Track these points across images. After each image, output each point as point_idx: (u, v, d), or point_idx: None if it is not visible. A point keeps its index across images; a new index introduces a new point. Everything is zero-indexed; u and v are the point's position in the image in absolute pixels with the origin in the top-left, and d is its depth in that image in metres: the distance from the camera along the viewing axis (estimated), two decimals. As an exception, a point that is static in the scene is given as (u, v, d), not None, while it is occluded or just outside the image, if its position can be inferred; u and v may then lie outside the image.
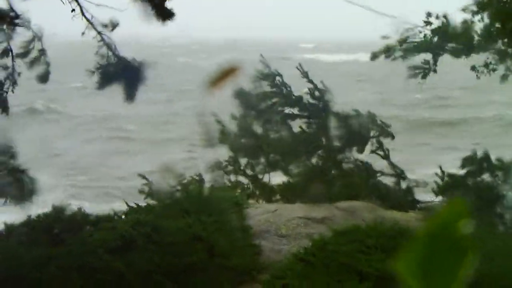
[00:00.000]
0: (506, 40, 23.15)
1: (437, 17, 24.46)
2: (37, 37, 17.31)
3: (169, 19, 16.97)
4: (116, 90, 17.82)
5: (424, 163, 28.91)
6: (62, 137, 56.66)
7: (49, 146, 51.09)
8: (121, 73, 17.65)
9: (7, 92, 17.70)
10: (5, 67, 17.63)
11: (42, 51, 17.39)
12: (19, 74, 17.71)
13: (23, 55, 17.35)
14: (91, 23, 17.19)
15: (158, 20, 16.96)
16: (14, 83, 17.70)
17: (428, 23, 24.37)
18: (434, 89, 57.17)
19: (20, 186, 17.17)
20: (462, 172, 22.88)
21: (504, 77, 24.32)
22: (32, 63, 17.43)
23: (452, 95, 72.69)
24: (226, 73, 6.98)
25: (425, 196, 23.12)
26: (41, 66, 17.56)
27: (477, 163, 22.73)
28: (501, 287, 13.91)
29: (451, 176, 22.73)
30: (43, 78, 17.62)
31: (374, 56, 24.78)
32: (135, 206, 19.08)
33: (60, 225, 16.91)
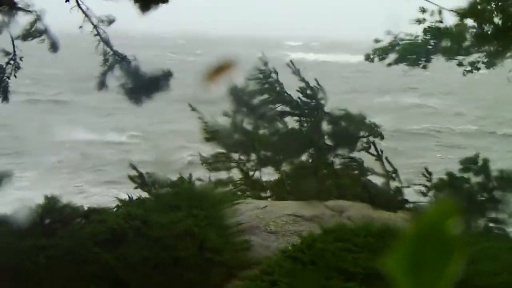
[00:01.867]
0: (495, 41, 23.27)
1: (431, 14, 24.47)
2: (38, 19, 17.30)
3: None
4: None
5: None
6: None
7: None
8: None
9: (9, 78, 17.68)
10: (7, 53, 17.63)
11: (45, 30, 17.39)
12: (21, 58, 17.72)
13: (25, 36, 17.32)
14: (87, 16, 17.16)
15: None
16: (17, 67, 17.69)
17: (420, 21, 24.37)
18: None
19: None
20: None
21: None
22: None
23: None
24: (221, 68, 6.84)
25: (413, 196, 23.13)
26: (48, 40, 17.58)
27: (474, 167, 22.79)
28: (487, 281, 13.92)
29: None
30: (54, 47, 17.57)
31: (368, 58, 24.78)
32: (127, 199, 19.06)
33: (52, 216, 16.84)
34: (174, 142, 50.71)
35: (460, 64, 24.19)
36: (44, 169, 43.14)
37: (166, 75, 17.72)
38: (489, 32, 23.34)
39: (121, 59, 17.56)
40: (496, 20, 23.24)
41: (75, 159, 49.32)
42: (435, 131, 57.51)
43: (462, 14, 22.91)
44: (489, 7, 22.92)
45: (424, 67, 24.44)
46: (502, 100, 46.56)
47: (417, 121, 61.09)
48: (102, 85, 17.69)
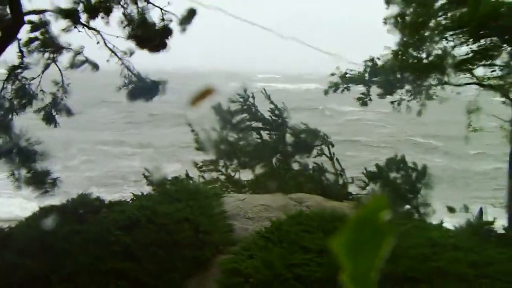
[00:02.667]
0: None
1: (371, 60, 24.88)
2: (79, 52, 17.45)
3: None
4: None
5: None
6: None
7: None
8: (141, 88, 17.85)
9: (62, 99, 17.82)
10: (56, 83, 17.77)
11: (86, 59, 17.54)
12: (68, 84, 17.85)
13: (72, 66, 17.48)
14: (113, 52, 17.32)
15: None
16: (65, 92, 17.83)
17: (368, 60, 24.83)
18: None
19: None
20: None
21: (419, 113, 24.70)
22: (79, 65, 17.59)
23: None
24: (203, 94, 7.31)
25: (355, 189, 23.38)
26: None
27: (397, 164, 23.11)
28: (410, 258, 14.10)
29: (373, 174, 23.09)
30: (96, 67, 17.68)
31: (326, 93, 25.23)
32: (140, 194, 19.19)
33: (84, 208, 17.07)
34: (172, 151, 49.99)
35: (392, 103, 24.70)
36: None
37: (163, 82, 17.90)
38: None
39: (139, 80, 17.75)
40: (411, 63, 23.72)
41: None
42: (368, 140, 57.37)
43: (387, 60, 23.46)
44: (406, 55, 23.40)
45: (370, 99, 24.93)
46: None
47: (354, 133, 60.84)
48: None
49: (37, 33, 16.97)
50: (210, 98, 7.88)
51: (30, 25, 16.79)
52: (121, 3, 16.83)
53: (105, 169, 47.53)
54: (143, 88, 17.75)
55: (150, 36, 16.92)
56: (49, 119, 17.75)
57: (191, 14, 16.95)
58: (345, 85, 25.11)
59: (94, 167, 48.12)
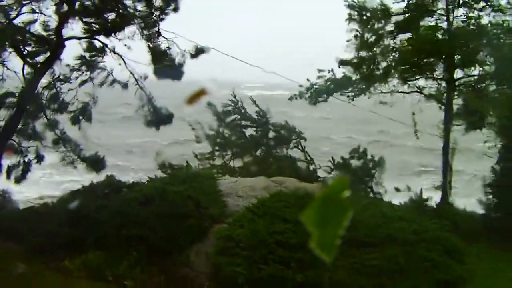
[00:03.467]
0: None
1: (328, 71, 24.99)
2: (110, 73, 17.54)
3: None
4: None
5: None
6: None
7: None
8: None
9: (90, 108, 17.89)
10: (90, 94, 17.85)
11: (115, 80, 17.59)
12: (97, 97, 17.92)
13: (102, 84, 17.62)
14: (132, 74, 17.37)
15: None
16: (95, 102, 17.88)
17: (320, 77, 24.99)
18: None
19: None
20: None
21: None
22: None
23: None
24: (197, 94, 7.31)
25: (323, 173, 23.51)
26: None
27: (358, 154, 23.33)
28: (366, 226, 14.23)
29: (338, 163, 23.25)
30: (125, 86, 17.76)
31: (291, 98, 25.41)
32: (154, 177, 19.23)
33: (109, 188, 17.14)
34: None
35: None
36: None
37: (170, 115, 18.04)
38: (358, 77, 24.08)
39: (150, 99, 17.79)
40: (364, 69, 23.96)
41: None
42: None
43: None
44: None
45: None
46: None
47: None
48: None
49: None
50: (203, 98, 7.87)
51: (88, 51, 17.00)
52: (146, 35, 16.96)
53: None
54: (157, 119, 17.83)
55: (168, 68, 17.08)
56: (75, 121, 17.80)
57: (199, 51, 17.20)
58: (310, 94, 25.28)
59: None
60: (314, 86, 25.12)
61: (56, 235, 14.91)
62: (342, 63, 24.33)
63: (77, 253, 14.17)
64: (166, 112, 17.80)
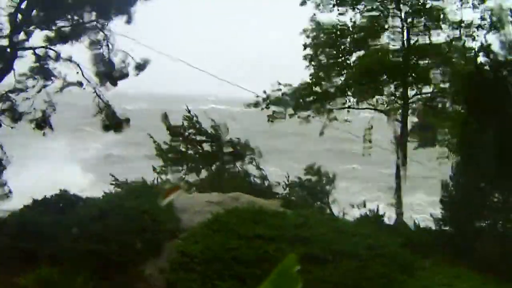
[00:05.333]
0: None
1: (284, 85, 25.44)
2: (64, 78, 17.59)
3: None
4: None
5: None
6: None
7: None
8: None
9: (49, 116, 17.85)
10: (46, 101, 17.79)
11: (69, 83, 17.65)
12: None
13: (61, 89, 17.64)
14: (88, 81, 17.40)
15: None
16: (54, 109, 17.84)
17: (278, 89, 25.39)
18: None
19: None
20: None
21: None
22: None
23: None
24: (171, 190, 7.70)
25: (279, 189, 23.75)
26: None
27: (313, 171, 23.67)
28: (320, 242, 14.44)
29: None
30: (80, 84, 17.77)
31: (248, 106, 25.68)
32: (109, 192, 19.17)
33: (63, 202, 17.08)
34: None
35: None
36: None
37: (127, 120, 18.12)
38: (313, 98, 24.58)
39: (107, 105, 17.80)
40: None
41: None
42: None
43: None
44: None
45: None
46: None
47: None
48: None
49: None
50: (176, 193, 8.41)
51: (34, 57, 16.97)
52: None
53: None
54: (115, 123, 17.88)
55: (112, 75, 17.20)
56: (40, 127, 17.75)
57: (145, 62, 17.39)
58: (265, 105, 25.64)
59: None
60: (270, 98, 25.53)
61: (8, 249, 14.77)
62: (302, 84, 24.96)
63: (30, 268, 14.05)
64: (123, 117, 17.87)
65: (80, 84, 17.62)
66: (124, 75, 17.41)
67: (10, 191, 17.17)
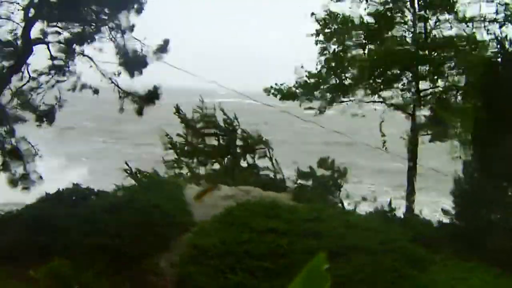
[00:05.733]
0: None
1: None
2: (79, 77, 17.50)
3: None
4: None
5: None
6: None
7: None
8: None
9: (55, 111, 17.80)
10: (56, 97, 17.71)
11: (85, 85, 17.59)
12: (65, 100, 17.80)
13: (74, 89, 17.59)
14: (103, 74, 17.33)
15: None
16: (60, 106, 17.79)
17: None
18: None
19: None
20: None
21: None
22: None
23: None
24: (206, 190, 7.65)
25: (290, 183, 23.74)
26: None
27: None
28: (332, 236, 14.47)
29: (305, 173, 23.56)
30: (96, 92, 17.78)
31: (266, 91, 25.64)
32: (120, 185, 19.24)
33: (76, 195, 17.17)
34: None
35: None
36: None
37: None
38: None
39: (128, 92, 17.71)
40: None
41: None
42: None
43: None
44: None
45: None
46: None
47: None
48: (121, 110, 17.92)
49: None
50: (212, 192, 8.33)
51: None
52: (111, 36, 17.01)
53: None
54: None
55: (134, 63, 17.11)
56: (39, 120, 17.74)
57: (165, 43, 17.30)
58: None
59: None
60: (283, 88, 25.50)
61: (21, 242, 14.88)
62: (310, 75, 24.81)
63: (42, 262, 14.12)
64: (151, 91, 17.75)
65: (95, 91, 17.60)
66: (145, 63, 17.35)
67: (40, 177, 17.11)
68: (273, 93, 25.51)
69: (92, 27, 16.80)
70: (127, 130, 61.29)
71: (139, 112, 17.53)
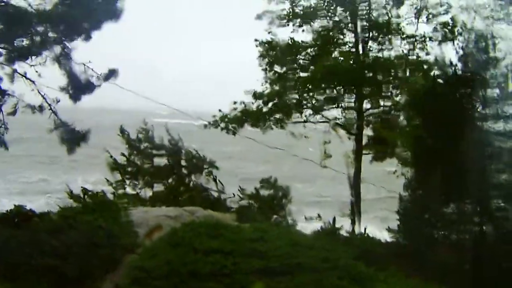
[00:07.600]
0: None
1: (240, 103, 25.72)
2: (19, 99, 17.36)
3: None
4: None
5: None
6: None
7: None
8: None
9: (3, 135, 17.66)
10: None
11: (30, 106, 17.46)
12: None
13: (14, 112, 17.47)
14: (44, 98, 17.28)
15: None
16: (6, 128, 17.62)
17: (234, 108, 25.67)
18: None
19: None
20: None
21: None
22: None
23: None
24: (154, 229, 7.79)
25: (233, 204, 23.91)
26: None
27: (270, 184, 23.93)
28: (277, 256, 14.63)
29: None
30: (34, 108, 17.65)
31: (206, 126, 25.90)
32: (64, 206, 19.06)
33: (18, 217, 16.97)
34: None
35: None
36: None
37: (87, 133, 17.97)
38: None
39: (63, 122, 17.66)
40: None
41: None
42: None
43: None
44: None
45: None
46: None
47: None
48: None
49: None
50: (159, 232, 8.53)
51: None
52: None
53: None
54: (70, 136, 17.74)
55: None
56: None
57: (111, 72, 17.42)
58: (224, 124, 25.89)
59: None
60: (228, 116, 25.74)
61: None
62: (256, 96, 25.17)
63: (-16, 286, 13.96)
64: (82, 132, 17.79)
65: (40, 108, 17.53)
66: (92, 87, 17.37)
67: None
68: (220, 126, 25.92)
69: (35, 48, 16.74)
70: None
71: (69, 151, 17.71)
